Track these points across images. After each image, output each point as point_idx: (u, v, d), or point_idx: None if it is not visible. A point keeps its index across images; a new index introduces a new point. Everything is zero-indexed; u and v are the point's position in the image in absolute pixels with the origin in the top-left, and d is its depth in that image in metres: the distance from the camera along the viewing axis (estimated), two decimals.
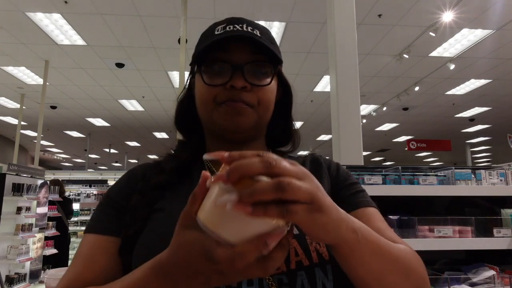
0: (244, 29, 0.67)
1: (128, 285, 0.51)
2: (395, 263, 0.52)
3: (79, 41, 6.15)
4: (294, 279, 0.57)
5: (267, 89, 0.68)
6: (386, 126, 12.32)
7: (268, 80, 0.68)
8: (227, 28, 0.67)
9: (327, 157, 0.82)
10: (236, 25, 0.68)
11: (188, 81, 0.78)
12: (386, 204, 2.18)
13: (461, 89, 8.58)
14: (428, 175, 2.07)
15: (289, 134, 0.81)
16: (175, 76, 7.64)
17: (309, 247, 0.60)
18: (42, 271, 5.55)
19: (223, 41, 0.65)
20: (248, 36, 0.65)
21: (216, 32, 0.68)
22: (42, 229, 5.75)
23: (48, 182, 6.03)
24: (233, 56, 0.66)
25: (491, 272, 1.87)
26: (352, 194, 0.72)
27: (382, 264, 0.50)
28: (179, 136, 0.78)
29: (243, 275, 0.41)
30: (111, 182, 9.48)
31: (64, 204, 6.27)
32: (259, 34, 0.68)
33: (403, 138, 13.99)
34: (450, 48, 6.38)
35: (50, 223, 5.86)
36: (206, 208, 0.40)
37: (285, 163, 0.39)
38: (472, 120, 11.35)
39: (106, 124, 12.30)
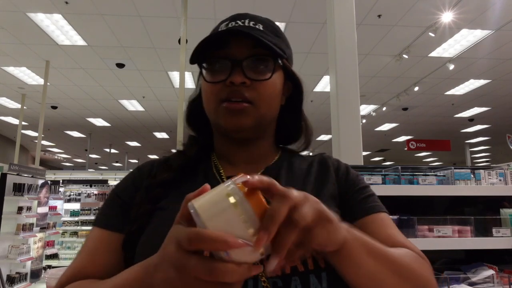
0: (246, 24, 0.67)
1: (117, 284, 0.51)
2: (392, 265, 0.53)
3: (79, 41, 6.16)
4: (289, 283, 0.56)
5: (268, 84, 0.66)
6: (386, 126, 12.33)
7: (269, 74, 0.66)
8: (230, 25, 0.67)
9: (335, 158, 0.79)
10: (238, 21, 0.68)
11: (198, 80, 0.78)
12: (385, 204, 2.18)
13: (460, 89, 8.59)
14: (428, 175, 2.08)
15: (300, 131, 0.79)
16: (175, 76, 7.64)
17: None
18: (43, 270, 5.56)
19: (221, 37, 0.65)
20: (246, 31, 0.64)
21: (219, 30, 0.67)
22: (43, 228, 5.76)
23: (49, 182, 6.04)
24: (232, 51, 0.65)
25: (490, 272, 1.88)
26: (363, 199, 0.71)
27: (379, 265, 0.51)
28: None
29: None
30: (111, 182, 9.48)
31: None
32: (261, 28, 0.67)
33: (402, 138, 13.99)
34: (449, 48, 6.39)
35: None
36: (206, 199, 0.39)
37: (289, 194, 0.41)
38: (472, 120, 11.36)
39: (107, 124, 12.30)
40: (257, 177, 0.41)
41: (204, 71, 0.69)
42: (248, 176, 0.41)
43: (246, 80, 0.64)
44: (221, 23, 0.71)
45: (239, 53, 0.65)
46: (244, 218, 0.38)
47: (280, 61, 0.69)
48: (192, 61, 0.68)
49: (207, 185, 0.42)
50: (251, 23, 0.67)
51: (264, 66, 0.66)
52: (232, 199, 0.38)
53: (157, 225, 0.62)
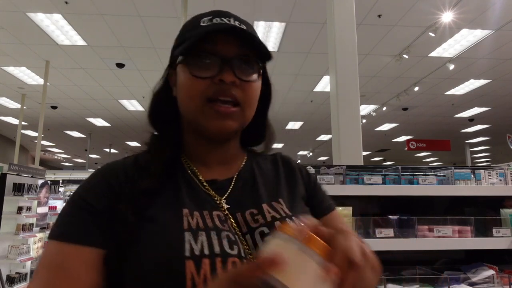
0: (232, 23, 0.65)
1: None
2: (375, 268, 0.52)
3: (79, 41, 6.16)
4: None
5: (254, 86, 0.66)
6: (386, 126, 12.33)
7: (256, 76, 0.66)
8: (214, 21, 0.65)
9: (292, 158, 0.81)
10: (223, 18, 0.65)
11: (166, 72, 0.73)
12: (386, 204, 2.19)
13: (460, 89, 8.59)
14: (428, 175, 2.08)
15: (264, 134, 0.79)
16: None
17: None
18: None
19: (214, 33, 0.62)
20: (240, 30, 0.62)
21: (202, 24, 0.65)
22: (42, 228, 5.76)
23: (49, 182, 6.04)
24: (221, 49, 0.63)
25: (490, 272, 1.88)
26: (323, 198, 0.76)
27: (375, 274, 0.51)
28: None
29: None
30: None
31: None
32: (246, 29, 0.65)
33: (402, 138, 13.99)
34: (449, 48, 6.39)
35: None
36: (292, 272, 0.37)
37: (350, 232, 0.43)
38: (472, 120, 11.36)
39: (107, 124, 12.30)
40: (310, 223, 0.42)
41: (187, 65, 0.64)
42: (296, 224, 0.41)
43: (236, 80, 0.62)
44: (200, 17, 0.68)
45: (228, 51, 0.63)
46: (320, 269, 0.38)
47: (261, 64, 0.68)
48: (182, 52, 0.64)
49: (281, 256, 0.38)
50: (236, 23, 0.65)
51: (252, 67, 0.65)
52: (312, 263, 0.38)
53: (148, 241, 0.56)
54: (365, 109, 10.13)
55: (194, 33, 0.64)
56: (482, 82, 8.06)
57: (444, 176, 2.14)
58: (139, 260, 0.55)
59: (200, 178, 0.67)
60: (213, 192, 0.65)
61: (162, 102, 0.72)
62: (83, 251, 0.56)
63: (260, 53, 0.65)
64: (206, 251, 0.55)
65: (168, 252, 0.54)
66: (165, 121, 0.72)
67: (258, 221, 0.62)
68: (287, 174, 0.75)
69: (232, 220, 0.62)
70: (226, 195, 0.66)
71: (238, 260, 0.56)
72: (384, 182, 2.02)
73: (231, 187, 0.67)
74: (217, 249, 0.55)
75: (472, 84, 8.22)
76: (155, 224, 0.57)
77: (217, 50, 0.63)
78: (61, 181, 8.05)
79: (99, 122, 11.97)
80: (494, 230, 1.95)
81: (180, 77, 0.66)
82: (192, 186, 0.65)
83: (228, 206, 0.64)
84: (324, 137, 13.82)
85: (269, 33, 5.88)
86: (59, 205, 6.87)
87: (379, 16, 5.36)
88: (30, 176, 5.46)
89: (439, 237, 1.92)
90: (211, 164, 0.70)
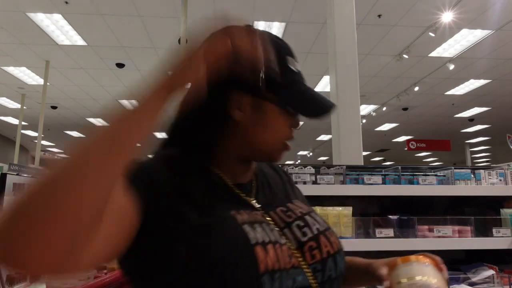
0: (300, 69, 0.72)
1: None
2: None
3: (79, 41, 6.16)
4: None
5: None
6: (386, 126, 12.33)
7: None
8: (297, 66, 0.70)
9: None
10: (296, 62, 0.71)
11: (229, 92, 0.66)
12: (386, 204, 2.19)
13: (460, 89, 8.59)
14: (428, 175, 2.08)
15: None
16: None
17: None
18: None
19: (321, 114, 0.67)
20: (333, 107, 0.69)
21: (291, 67, 0.68)
22: None
23: None
24: None
25: (490, 272, 1.88)
26: (302, 196, 0.85)
27: None
28: None
29: None
30: None
31: None
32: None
33: (402, 138, 13.99)
34: (449, 48, 6.39)
35: None
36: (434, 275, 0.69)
37: None
38: (472, 120, 11.36)
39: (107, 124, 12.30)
40: (438, 259, 0.71)
41: (283, 112, 0.67)
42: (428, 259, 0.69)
43: None
44: (284, 50, 0.68)
45: None
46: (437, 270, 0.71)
47: None
48: (283, 102, 0.67)
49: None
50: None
51: None
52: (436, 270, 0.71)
53: (215, 231, 0.58)
54: (365, 109, 10.13)
55: (299, 90, 0.68)
56: (482, 82, 8.06)
57: (444, 176, 2.14)
58: (209, 251, 0.56)
59: (228, 181, 0.70)
60: (243, 195, 0.69)
61: (212, 120, 0.68)
62: (131, 200, 0.54)
63: None
64: (266, 239, 0.60)
65: (237, 241, 0.58)
66: (189, 141, 0.72)
67: (291, 216, 0.69)
68: (282, 176, 0.84)
69: (268, 217, 0.67)
70: (253, 196, 0.70)
71: (288, 248, 0.62)
72: (384, 182, 2.01)
73: (255, 189, 0.73)
74: (272, 238, 0.61)
75: (472, 84, 8.22)
76: (215, 219, 0.60)
77: None
78: None
79: (99, 122, 11.96)
80: (494, 230, 1.95)
81: (268, 115, 0.66)
82: (225, 190, 0.68)
83: (259, 206, 0.69)
84: (324, 137, 13.82)
85: None
86: None
87: (379, 16, 5.36)
88: (30, 176, 5.46)
89: (439, 237, 1.92)
90: (236, 171, 0.72)
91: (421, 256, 0.68)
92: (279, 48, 0.67)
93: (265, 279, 0.55)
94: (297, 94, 0.67)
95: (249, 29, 0.58)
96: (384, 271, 0.68)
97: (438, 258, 0.70)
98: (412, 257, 0.67)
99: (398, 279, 0.65)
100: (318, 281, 0.62)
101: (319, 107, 0.67)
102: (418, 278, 0.64)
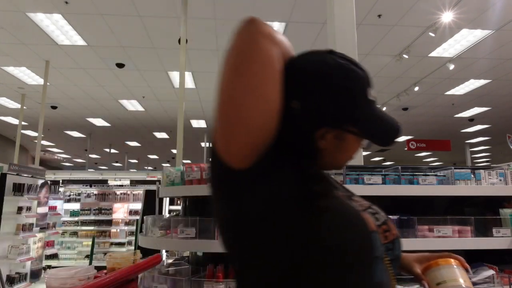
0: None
1: None
2: None
3: (79, 41, 6.16)
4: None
5: None
6: None
7: None
8: (374, 94, 0.79)
9: None
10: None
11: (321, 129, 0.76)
12: (385, 204, 2.19)
13: (460, 89, 8.59)
14: (428, 175, 2.08)
15: None
16: (175, 76, 7.64)
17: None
18: (43, 271, 5.56)
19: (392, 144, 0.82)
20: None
21: (370, 98, 0.78)
22: (42, 229, 5.76)
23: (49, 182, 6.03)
24: None
25: (490, 272, 1.88)
26: None
27: None
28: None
29: None
30: (111, 182, 9.48)
31: None
32: None
33: (402, 138, 13.99)
34: (449, 48, 6.39)
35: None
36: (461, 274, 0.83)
37: None
38: (472, 120, 11.36)
39: (107, 124, 12.31)
40: (461, 259, 0.87)
41: (359, 140, 0.80)
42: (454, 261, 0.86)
43: None
44: (366, 83, 0.77)
45: None
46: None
47: None
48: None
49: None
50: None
51: None
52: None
53: (339, 211, 0.69)
54: None
55: (376, 121, 0.79)
56: (482, 82, 8.06)
57: (444, 176, 2.14)
58: (334, 225, 0.66)
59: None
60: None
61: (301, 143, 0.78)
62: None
63: None
64: (378, 223, 0.74)
65: (349, 208, 0.71)
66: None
67: (363, 205, 0.79)
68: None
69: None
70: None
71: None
72: (384, 182, 2.02)
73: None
74: (378, 222, 0.75)
75: (472, 84, 8.22)
76: (338, 202, 0.72)
77: None
78: (61, 181, 8.05)
79: (99, 122, 11.97)
80: (494, 230, 1.95)
81: (348, 142, 0.78)
82: (339, 187, 0.84)
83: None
84: None
85: None
86: (59, 205, 6.88)
87: (379, 16, 5.36)
88: (30, 176, 5.46)
89: (439, 237, 1.92)
90: None
91: (451, 259, 0.84)
92: (363, 82, 0.76)
93: (375, 235, 0.68)
94: (374, 125, 0.78)
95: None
96: (419, 269, 0.87)
97: (461, 258, 0.86)
98: (441, 260, 0.84)
99: (435, 281, 0.81)
100: (390, 258, 0.74)
101: (391, 136, 0.81)
102: (452, 281, 0.80)
